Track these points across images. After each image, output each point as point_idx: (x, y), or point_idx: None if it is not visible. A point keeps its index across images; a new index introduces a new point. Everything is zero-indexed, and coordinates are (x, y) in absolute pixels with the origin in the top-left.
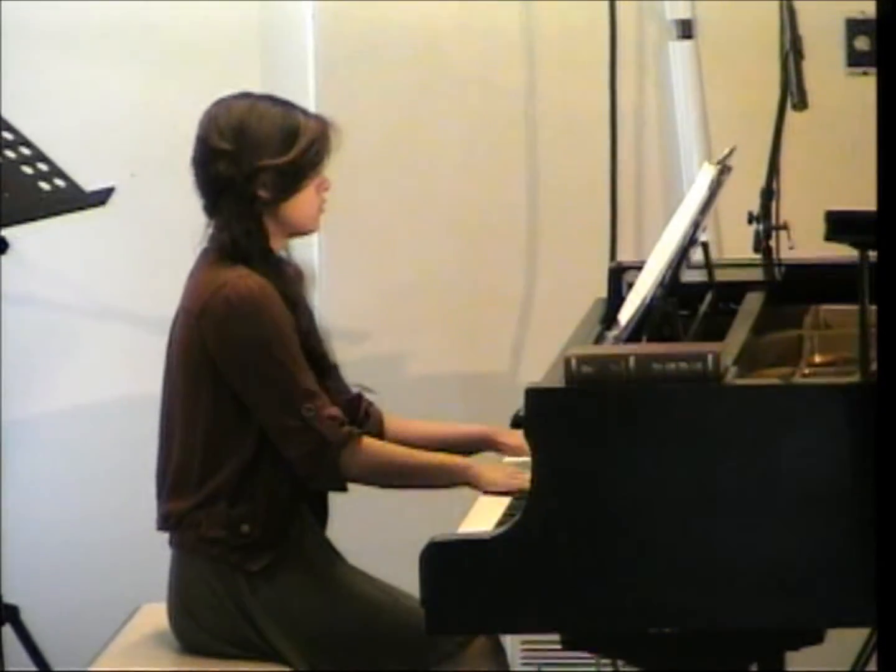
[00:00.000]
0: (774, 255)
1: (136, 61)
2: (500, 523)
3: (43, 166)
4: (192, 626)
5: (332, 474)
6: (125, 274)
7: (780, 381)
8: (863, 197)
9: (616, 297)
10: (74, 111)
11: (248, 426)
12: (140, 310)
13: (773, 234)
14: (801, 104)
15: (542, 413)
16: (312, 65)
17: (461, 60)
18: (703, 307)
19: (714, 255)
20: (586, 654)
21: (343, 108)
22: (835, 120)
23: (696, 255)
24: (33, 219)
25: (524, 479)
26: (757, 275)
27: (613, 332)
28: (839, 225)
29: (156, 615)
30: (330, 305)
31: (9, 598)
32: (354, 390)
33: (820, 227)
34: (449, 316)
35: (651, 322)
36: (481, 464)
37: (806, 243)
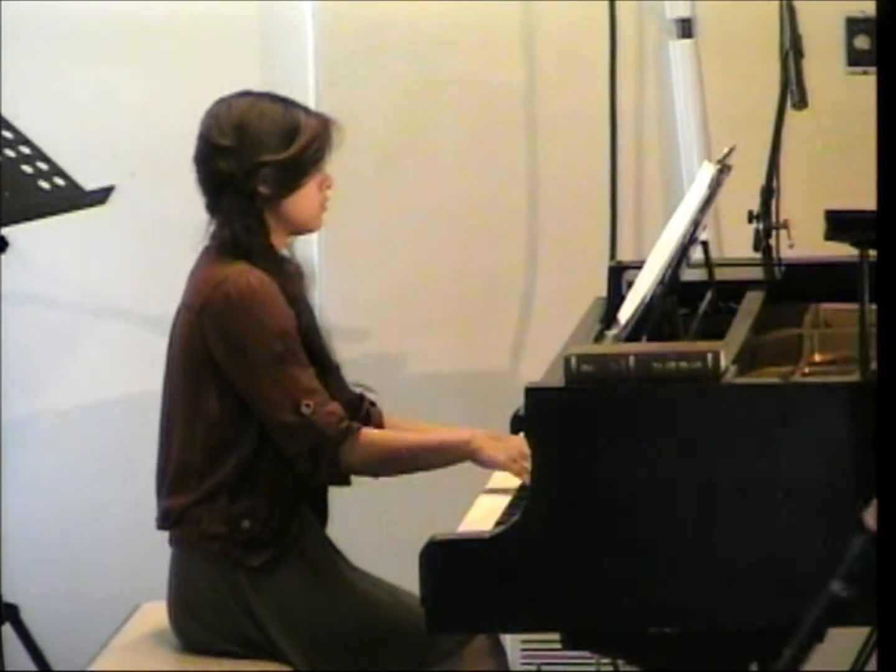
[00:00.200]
0: (774, 254)
1: (137, 61)
2: (499, 523)
3: (43, 165)
4: (192, 623)
5: (333, 469)
6: (125, 273)
7: (780, 381)
8: (863, 197)
9: (616, 296)
10: (74, 111)
11: (248, 421)
12: (140, 309)
13: (773, 232)
14: (801, 104)
15: (542, 412)
16: (312, 65)
17: (461, 60)
18: (703, 306)
19: (714, 253)
20: (586, 654)
21: (343, 108)
22: (835, 120)
23: (696, 253)
24: (33, 218)
25: (524, 466)
26: (757, 274)
27: (613, 332)
28: (839, 224)
29: (156, 614)
30: (330, 305)
31: (9, 598)
32: (355, 390)
33: (820, 226)
34: (449, 316)
35: (651, 321)
36: (482, 437)
37: (806, 242)
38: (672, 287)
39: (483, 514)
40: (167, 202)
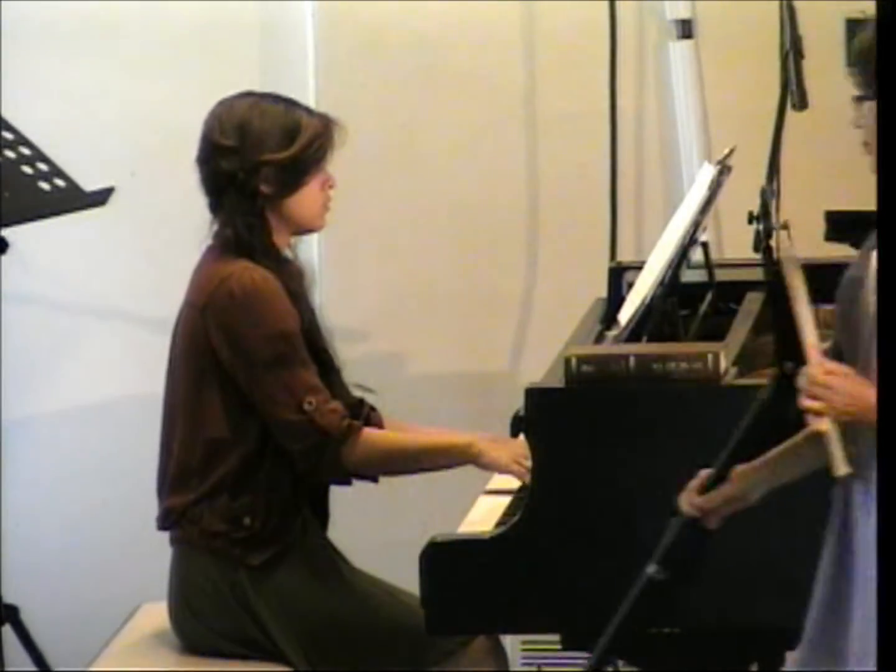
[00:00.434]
0: (774, 255)
1: (137, 61)
2: (500, 523)
3: (43, 166)
4: (192, 621)
5: (334, 467)
6: (125, 273)
7: None
8: (863, 197)
9: (616, 296)
10: (74, 111)
11: (250, 419)
12: (140, 309)
13: (773, 233)
14: (801, 104)
15: (542, 413)
16: (312, 65)
17: (461, 60)
18: (703, 307)
19: (714, 254)
20: (586, 654)
21: (343, 108)
22: (835, 120)
23: (697, 254)
24: (33, 219)
25: (526, 468)
26: (757, 275)
27: (613, 332)
28: (839, 225)
29: (156, 615)
30: (330, 305)
31: (9, 598)
32: (355, 394)
33: (820, 227)
34: (449, 316)
35: (651, 322)
36: (484, 440)
37: (806, 243)
38: (672, 288)
39: (483, 514)
40: (167, 202)
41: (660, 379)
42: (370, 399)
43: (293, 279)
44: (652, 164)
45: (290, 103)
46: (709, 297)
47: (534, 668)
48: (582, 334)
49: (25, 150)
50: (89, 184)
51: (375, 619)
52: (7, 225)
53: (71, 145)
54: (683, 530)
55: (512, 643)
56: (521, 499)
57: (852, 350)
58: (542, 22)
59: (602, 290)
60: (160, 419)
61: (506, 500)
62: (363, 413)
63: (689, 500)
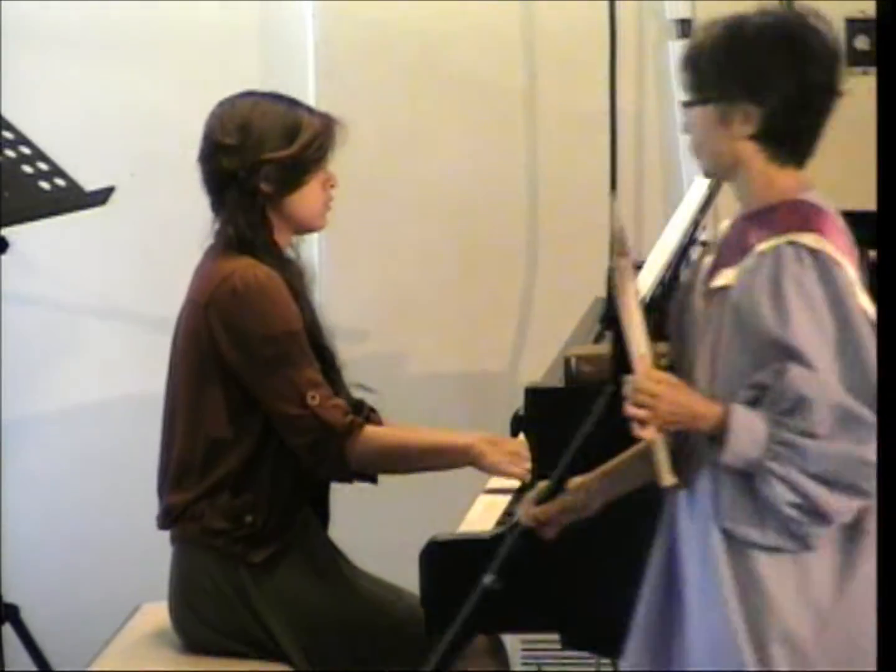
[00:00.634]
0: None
1: (137, 61)
2: (499, 523)
3: (43, 166)
4: (193, 620)
5: (337, 463)
6: (125, 273)
7: None
8: (863, 197)
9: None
10: (74, 111)
11: (251, 416)
12: (140, 309)
13: None
14: None
15: (542, 412)
16: (312, 65)
17: (461, 60)
18: None
19: None
20: (586, 654)
21: (343, 108)
22: (835, 120)
23: (696, 254)
24: (33, 218)
25: (525, 469)
26: None
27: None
28: None
29: (156, 615)
30: (330, 305)
31: (9, 598)
32: (356, 394)
33: None
34: (449, 316)
35: (651, 322)
36: (484, 442)
37: None
38: (672, 288)
39: (483, 514)
40: (167, 202)
41: None
42: (370, 399)
43: (295, 277)
44: (652, 164)
45: (292, 103)
46: None
47: (534, 668)
48: (581, 334)
49: (25, 150)
50: (89, 184)
51: (376, 618)
52: (7, 225)
53: (71, 145)
54: (520, 540)
55: (512, 643)
56: (521, 498)
57: (681, 358)
58: (542, 22)
59: (602, 290)
60: (160, 418)
61: (506, 500)
62: (363, 413)
63: (525, 510)
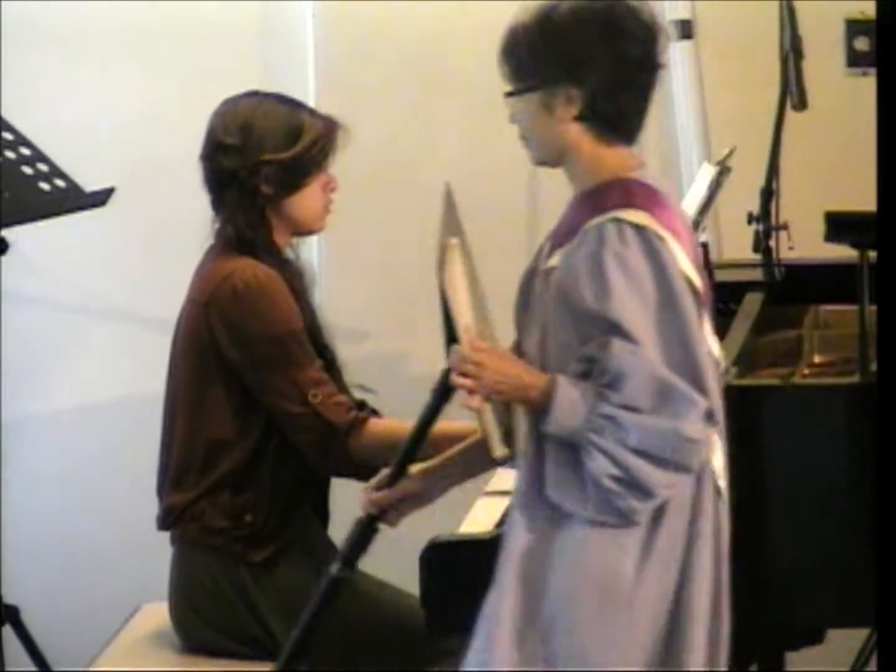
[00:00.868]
0: (774, 255)
1: (136, 61)
2: (500, 523)
3: (43, 166)
4: (193, 620)
5: (341, 460)
6: (125, 274)
7: (780, 382)
8: (863, 197)
9: None
10: (74, 111)
11: (252, 416)
12: (140, 310)
13: (773, 234)
14: (801, 104)
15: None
16: (312, 65)
17: (461, 60)
18: None
19: (714, 255)
20: None
21: (343, 108)
22: (835, 120)
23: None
24: (33, 219)
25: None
26: (757, 275)
27: None
28: (839, 225)
29: (156, 615)
30: (330, 305)
31: (9, 598)
32: (356, 395)
33: (820, 227)
34: None
35: None
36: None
37: (806, 243)
38: None
39: (483, 514)
40: (167, 202)
41: None
42: (370, 399)
43: (295, 278)
44: (652, 164)
45: (295, 104)
46: None
47: None
48: None
49: (25, 151)
50: (89, 184)
51: (376, 618)
52: (7, 225)
53: (71, 146)
54: (364, 528)
55: None
56: None
57: (522, 340)
58: None
59: None
60: (160, 419)
61: (506, 501)
62: (365, 413)
63: (367, 497)
